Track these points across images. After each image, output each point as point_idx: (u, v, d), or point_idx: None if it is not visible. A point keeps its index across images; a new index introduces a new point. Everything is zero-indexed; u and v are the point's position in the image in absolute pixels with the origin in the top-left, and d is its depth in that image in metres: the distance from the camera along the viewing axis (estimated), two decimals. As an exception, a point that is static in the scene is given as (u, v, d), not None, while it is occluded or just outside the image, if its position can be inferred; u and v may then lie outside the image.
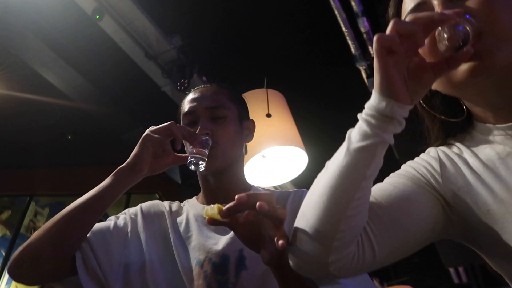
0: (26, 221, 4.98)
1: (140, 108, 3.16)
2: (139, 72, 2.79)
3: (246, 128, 1.08)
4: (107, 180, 0.88)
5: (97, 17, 2.31)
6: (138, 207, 1.02)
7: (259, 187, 1.07)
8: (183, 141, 0.93)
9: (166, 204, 1.04)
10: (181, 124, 1.01)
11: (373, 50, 0.61)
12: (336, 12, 2.41)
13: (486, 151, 0.68)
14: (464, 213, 0.67)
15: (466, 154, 0.70)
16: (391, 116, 0.61)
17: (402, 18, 0.73)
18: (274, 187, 2.15)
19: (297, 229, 0.66)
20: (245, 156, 2.00)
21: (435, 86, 0.71)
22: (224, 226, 0.70)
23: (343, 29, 2.49)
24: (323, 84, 3.22)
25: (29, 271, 0.82)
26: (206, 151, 0.90)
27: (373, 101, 0.62)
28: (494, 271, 0.73)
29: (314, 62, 3.08)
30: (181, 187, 3.95)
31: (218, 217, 0.68)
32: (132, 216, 0.99)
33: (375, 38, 0.59)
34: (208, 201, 1.00)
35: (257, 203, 0.63)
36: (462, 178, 0.68)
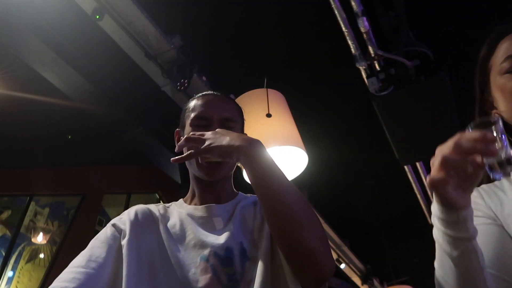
0: (26, 221, 4.99)
1: (140, 108, 3.15)
2: (139, 72, 2.79)
3: None
4: None
5: (97, 17, 2.31)
6: (128, 215, 1.00)
7: (247, 195, 1.11)
8: None
9: (153, 208, 1.04)
10: (188, 125, 1.07)
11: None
12: (336, 12, 2.40)
13: None
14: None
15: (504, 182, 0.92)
16: None
17: (497, 60, 0.88)
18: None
19: None
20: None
21: None
22: None
23: (343, 29, 2.49)
24: (323, 84, 3.22)
25: None
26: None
27: None
28: None
29: (314, 62, 3.08)
30: (181, 187, 3.94)
31: None
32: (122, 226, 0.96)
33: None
34: (200, 203, 1.04)
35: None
36: (496, 197, 0.90)
